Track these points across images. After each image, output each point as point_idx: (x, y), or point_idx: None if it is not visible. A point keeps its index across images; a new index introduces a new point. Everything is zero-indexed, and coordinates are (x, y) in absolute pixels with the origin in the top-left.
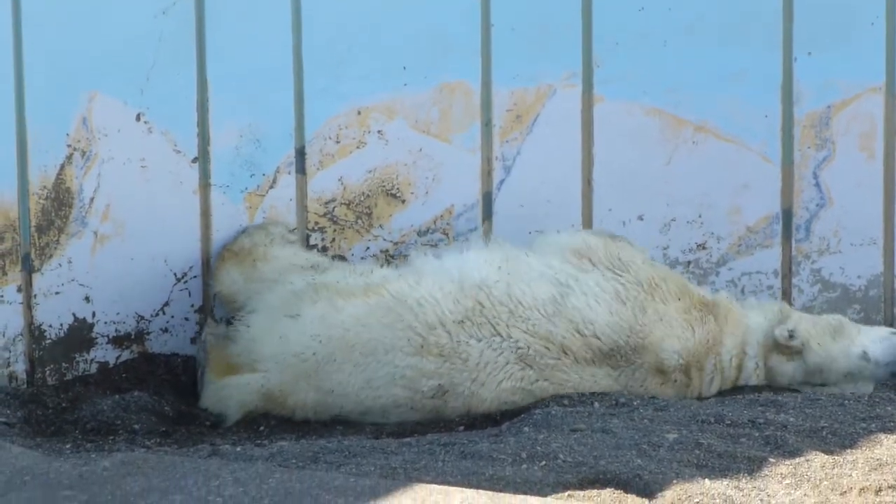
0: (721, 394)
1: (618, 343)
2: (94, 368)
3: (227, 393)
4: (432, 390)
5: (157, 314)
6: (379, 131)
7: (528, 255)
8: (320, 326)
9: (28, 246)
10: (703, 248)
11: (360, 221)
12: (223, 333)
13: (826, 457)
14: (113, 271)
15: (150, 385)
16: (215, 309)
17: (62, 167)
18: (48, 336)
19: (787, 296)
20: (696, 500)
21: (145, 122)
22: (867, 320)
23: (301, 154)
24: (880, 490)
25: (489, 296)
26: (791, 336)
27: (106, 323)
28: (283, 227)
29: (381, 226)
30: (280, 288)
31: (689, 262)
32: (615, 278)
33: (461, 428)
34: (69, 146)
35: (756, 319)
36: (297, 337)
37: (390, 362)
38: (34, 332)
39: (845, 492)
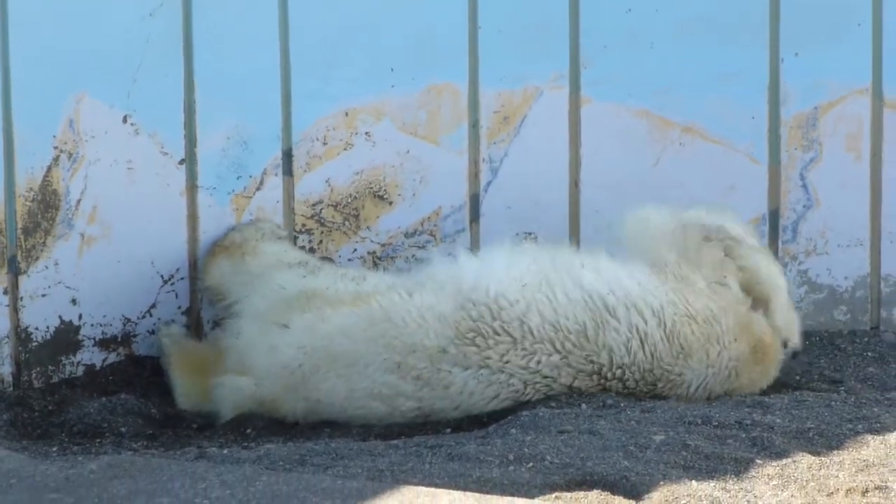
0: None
1: (647, 383)
2: (80, 371)
3: (222, 393)
4: (412, 411)
5: (143, 316)
6: (366, 133)
7: (583, 266)
8: (306, 337)
9: (14, 248)
10: None
11: (347, 223)
12: (178, 333)
13: (813, 458)
14: (100, 273)
15: (137, 387)
16: (203, 311)
17: (49, 169)
18: (34, 338)
19: None
20: (683, 501)
21: (132, 124)
22: (854, 322)
23: (288, 156)
24: (867, 491)
25: (494, 319)
26: None
27: (93, 325)
28: (274, 225)
29: (368, 227)
30: (269, 292)
31: None
32: (675, 305)
33: (448, 430)
34: (56, 148)
35: None
36: (285, 348)
37: (370, 376)
38: (20, 335)
39: (832, 493)
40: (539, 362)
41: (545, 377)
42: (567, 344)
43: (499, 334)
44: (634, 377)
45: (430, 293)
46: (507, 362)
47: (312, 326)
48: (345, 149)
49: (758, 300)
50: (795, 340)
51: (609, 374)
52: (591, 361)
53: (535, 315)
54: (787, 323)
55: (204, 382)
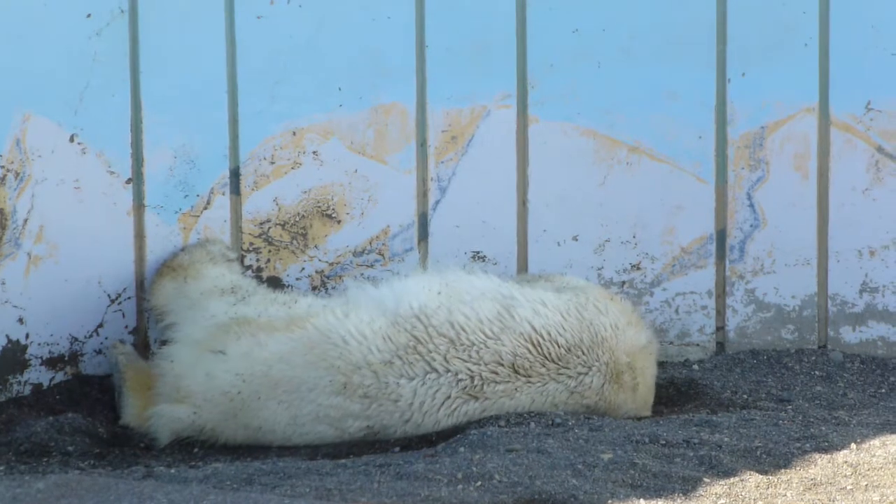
0: (657, 413)
1: (576, 341)
2: (27, 390)
3: (160, 422)
4: (361, 430)
5: (90, 336)
6: (314, 152)
7: (470, 272)
8: (244, 363)
9: None
10: (638, 268)
11: (295, 242)
12: (132, 351)
13: (761, 477)
14: (47, 293)
15: (84, 407)
16: (149, 330)
17: None
18: None
19: (721, 316)
20: None
21: (79, 143)
22: (802, 340)
23: (236, 175)
24: None
25: (427, 327)
26: None
27: (40, 344)
28: (224, 246)
29: (316, 246)
30: (201, 319)
31: (623, 283)
32: (555, 291)
33: (397, 449)
34: (2, 167)
35: None
36: (223, 375)
37: (314, 400)
38: None
39: None
40: (479, 351)
41: (488, 363)
42: (494, 328)
43: (435, 338)
44: (559, 331)
45: (363, 311)
46: (450, 361)
47: (249, 353)
48: (293, 168)
49: None
50: None
51: (539, 339)
52: (520, 334)
53: (459, 314)
54: None
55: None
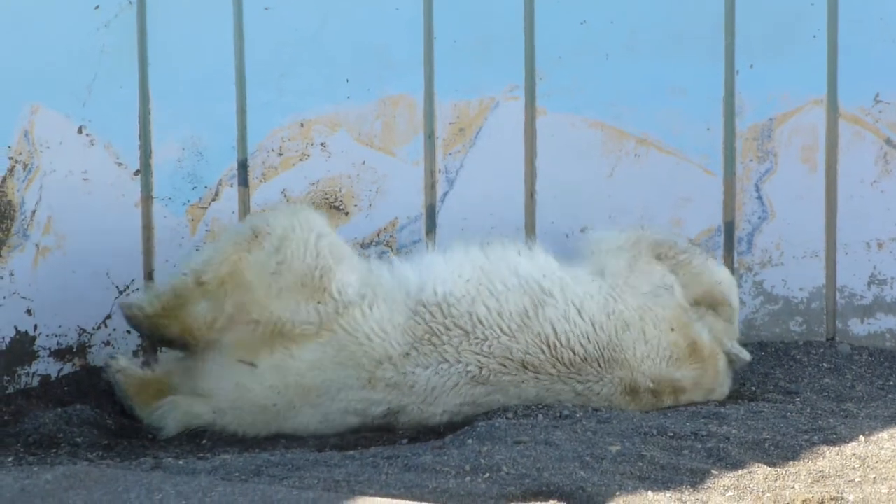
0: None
1: (595, 355)
2: (36, 382)
3: (172, 413)
4: (382, 413)
5: (99, 327)
6: (322, 144)
7: (523, 253)
8: (277, 376)
9: None
10: None
11: None
12: (128, 366)
13: (769, 469)
14: (55, 284)
15: (92, 398)
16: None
17: (4, 180)
18: None
19: None
20: None
21: (87, 135)
22: (810, 333)
23: (244, 166)
24: (823, 502)
25: (446, 317)
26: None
27: (48, 336)
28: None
29: None
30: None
31: None
32: (612, 296)
33: (405, 441)
34: (11, 159)
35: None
36: (256, 387)
37: (343, 398)
38: None
39: (788, 503)
40: (491, 346)
41: (497, 357)
42: (512, 325)
43: (451, 329)
44: (581, 342)
45: (383, 303)
46: (461, 353)
47: (281, 365)
48: (300, 159)
49: (706, 306)
50: (743, 356)
51: (556, 343)
52: (538, 334)
53: (481, 306)
54: (732, 334)
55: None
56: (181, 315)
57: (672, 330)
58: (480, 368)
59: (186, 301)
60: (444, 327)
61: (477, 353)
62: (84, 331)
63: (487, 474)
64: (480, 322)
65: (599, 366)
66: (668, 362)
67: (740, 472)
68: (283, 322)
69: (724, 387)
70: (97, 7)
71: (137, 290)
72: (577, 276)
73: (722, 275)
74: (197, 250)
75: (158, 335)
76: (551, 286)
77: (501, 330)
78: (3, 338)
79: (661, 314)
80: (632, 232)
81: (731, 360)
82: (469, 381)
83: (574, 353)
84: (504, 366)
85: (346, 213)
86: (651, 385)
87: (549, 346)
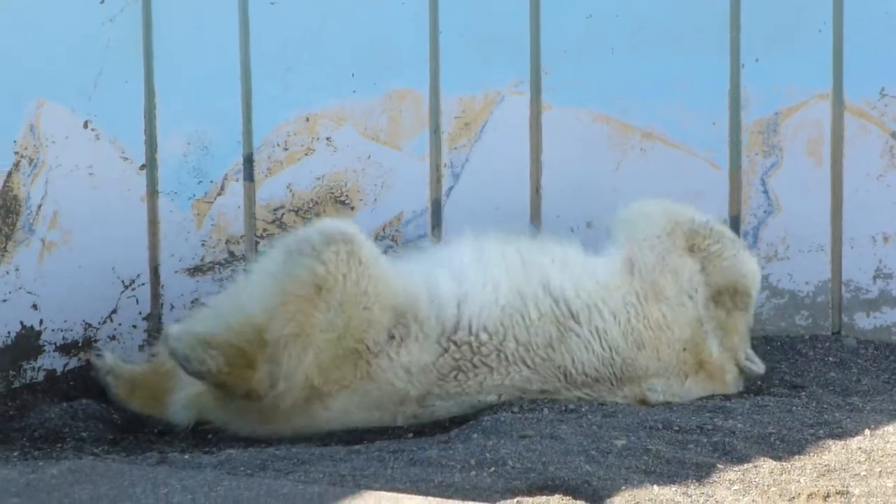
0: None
1: (608, 375)
2: (41, 376)
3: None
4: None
5: (104, 322)
6: (328, 138)
7: (553, 261)
8: (305, 422)
9: None
10: None
11: None
12: (118, 366)
13: (774, 463)
14: (60, 279)
15: (98, 393)
16: (163, 316)
17: (9, 174)
18: None
19: None
20: None
21: (93, 130)
22: (816, 326)
23: (249, 161)
24: (828, 496)
25: (475, 353)
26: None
27: (53, 331)
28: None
29: None
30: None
31: None
32: (636, 307)
33: (410, 435)
34: (16, 153)
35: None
36: (286, 430)
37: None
38: None
39: (793, 498)
40: (512, 379)
41: (517, 387)
42: (536, 359)
43: (477, 367)
44: (597, 368)
45: (413, 343)
46: (484, 386)
47: (314, 415)
48: (306, 154)
49: (727, 295)
50: (756, 370)
51: (572, 372)
52: (558, 366)
53: (511, 341)
54: (746, 324)
55: (159, 399)
56: (245, 375)
57: (684, 350)
58: (499, 396)
59: (251, 361)
60: (472, 364)
61: (498, 385)
62: (90, 325)
63: (493, 468)
64: (507, 358)
65: (612, 384)
66: (677, 377)
67: (746, 466)
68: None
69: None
70: (102, 2)
71: (143, 284)
72: (608, 287)
73: (748, 268)
74: (237, 282)
75: (222, 392)
76: (579, 309)
77: (525, 364)
78: (9, 333)
79: (678, 335)
80: (668, 213)
81: (743, 371)
82: (486, 407)
83: (587, 377)
84: (522, 394)
85: (352, 208)
86: (661, 398)
87: (565, 376)
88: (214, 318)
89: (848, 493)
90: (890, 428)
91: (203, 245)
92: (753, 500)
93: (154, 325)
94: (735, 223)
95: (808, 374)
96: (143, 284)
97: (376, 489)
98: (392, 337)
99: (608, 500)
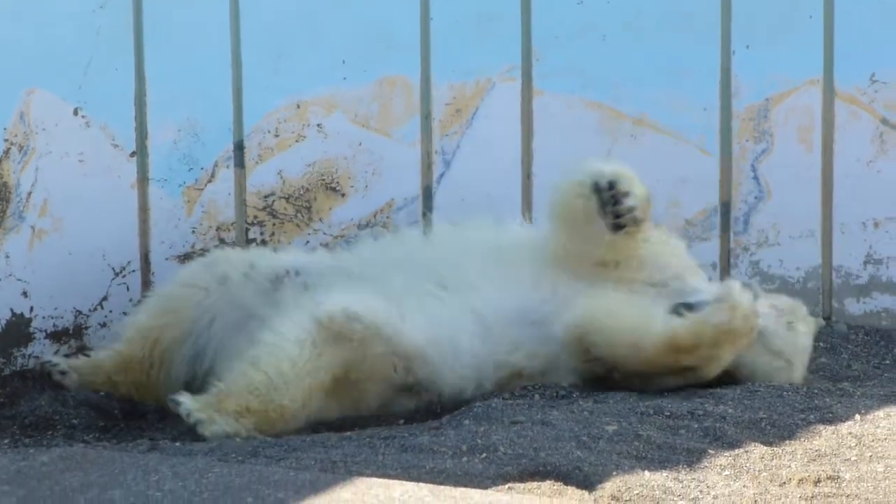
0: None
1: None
2: (31, 364)
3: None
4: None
5: (95, 309)
6: (318, 125)
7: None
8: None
9: None
10: None
11: (299, 215)
12: (72, 363)
13: (765, 448)
14: (51, 266)
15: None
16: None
17: None
18: None
19: None
20: (636, 491)
21: (83, 117)
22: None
23: (240, 148)
24: (819, 481)
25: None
26: None
27: (44, 318)
28: None
29: (320, 219)
30: None
31: None
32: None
33: (401, 421)
34: (6, 140)
35: None
36: None
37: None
38: None
39: (784, 483)
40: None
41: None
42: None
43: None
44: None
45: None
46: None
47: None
48: (297, 141)
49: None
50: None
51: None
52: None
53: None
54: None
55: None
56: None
57: None
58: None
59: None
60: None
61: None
62: (80, 313)
63: (484, 454)
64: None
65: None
66: None
67: (737, 451)
68: None
69: None
70: None
71: (133, 271)
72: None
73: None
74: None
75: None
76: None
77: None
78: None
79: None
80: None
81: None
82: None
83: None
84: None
85: (343, 195)
86: None
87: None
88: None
89: (838, 477)
90: (880, 413)
91: (193, 232)
92: (744, 486)
93: None
94: (725, 209)
95: None
96: (134, 271)
97: (367, 475)
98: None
99: (599, 486)
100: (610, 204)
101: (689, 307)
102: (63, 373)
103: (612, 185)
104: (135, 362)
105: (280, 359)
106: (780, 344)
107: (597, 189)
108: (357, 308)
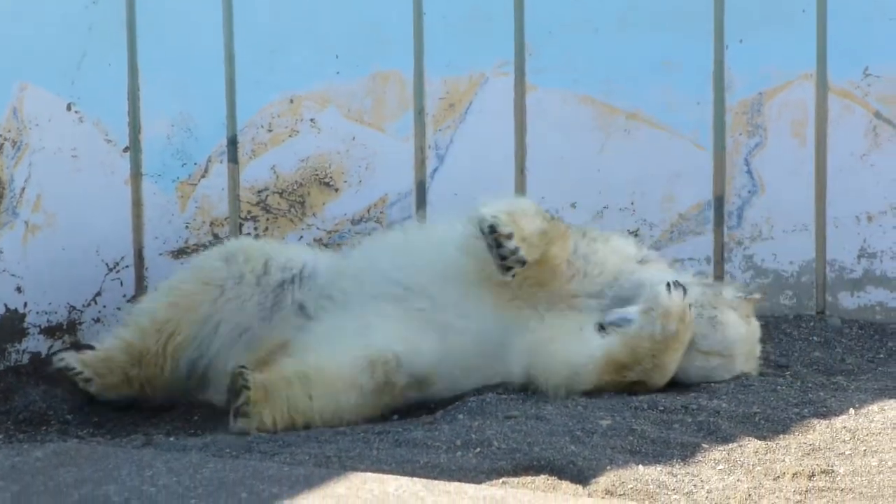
0: None
1: None
2: (25, 359)
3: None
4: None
5: (89, 304)
6: (311, 120)
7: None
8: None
9: None
10: (636, 235)
11: (293, 210)
12: (84, 358)
13: (759, 442)
14: (44, 261)
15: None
16: None
17: None
18: None
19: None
20: (630, 486)
21: (76, 112)
22: (800, 306)
23: (233, 143)
24: (813, 475)
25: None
26: None
27: (38, 313)
28: None
29: (314, 214)
30: None
31: None
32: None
33: (395, 416)
34: (0, 136)
35: None
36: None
37: None
38: None
39: (778, 477)
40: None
41: None
42: None
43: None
44: None
45: None
46: None
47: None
48: (290, 136)
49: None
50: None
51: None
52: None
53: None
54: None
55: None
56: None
57: None
58: None
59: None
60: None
61: None
62: (74, 308)
63: (478, 449)
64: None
65: None
66: None
67: (731, 445)
68: None
69: None
70: None
71: (127, 267)
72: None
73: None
74: None
75: None
76: None
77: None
78: None
79: None
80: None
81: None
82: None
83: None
84: None
85: (336, 190)
86: None
87: None
88: None
89: (832, 471)
90: (874, 407)
91: (187, 227)
92: (738, 480)
93: None
94: (719, 204)
95: (792, 353)
96: (128, 267)
97: (362, 470)
98: None
99: (593, 480)
100: (494, 247)
101: (615, 325)
102: (87, 380)
103: (493, 230)
104: (150, 356)
105: (328, 402)
106: (709, 343)
107: (482, 232)
108: (403, 356)
